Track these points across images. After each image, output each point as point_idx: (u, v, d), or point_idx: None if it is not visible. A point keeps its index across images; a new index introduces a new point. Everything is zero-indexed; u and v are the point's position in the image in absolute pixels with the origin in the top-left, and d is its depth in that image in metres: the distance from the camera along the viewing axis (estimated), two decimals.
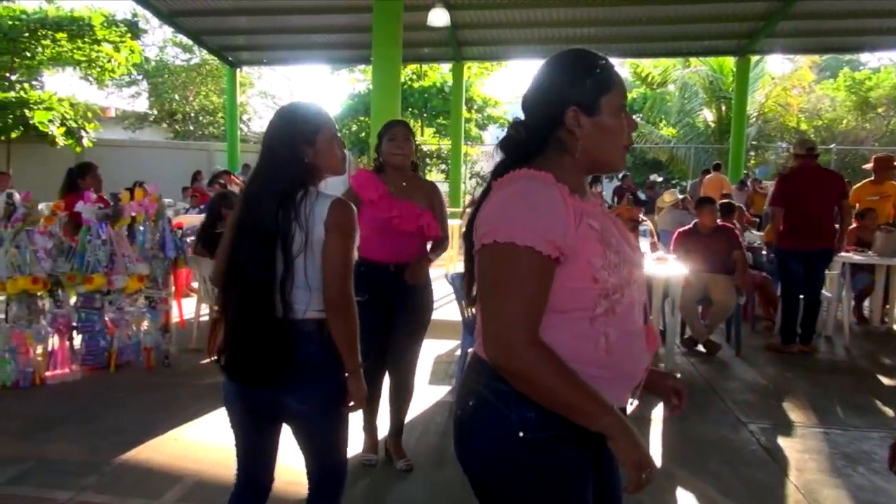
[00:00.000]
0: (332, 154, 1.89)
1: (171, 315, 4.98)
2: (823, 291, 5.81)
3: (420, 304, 3.11)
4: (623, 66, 29.22)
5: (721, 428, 3.84)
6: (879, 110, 21.10)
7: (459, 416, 1.37)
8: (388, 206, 2.93)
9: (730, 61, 17.37)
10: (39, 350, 4.39)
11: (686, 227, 5.71)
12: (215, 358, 1.91)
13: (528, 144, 1.35)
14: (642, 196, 13.41)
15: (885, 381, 4.90)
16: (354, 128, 19.45)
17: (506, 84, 63.25)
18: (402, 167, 3.01)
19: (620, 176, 14.50)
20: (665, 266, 5.01)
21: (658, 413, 3.97)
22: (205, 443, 3.49)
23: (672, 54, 16.75)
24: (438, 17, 10.38)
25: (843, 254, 5.86)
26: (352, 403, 1.90)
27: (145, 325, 4.77)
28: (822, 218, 5.39)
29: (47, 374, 4.40)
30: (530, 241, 1.21)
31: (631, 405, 1.47)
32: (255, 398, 1.89)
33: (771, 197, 5.81)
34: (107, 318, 4.68)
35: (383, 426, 3.32)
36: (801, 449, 3.58)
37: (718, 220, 5.61)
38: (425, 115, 19.22)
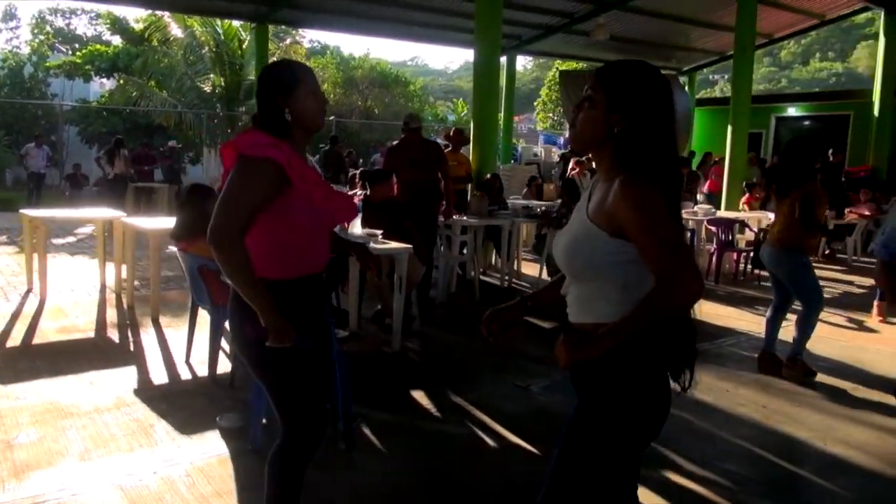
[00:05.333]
0: None
1: None
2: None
3: None
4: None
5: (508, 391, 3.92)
6: (362, 88, 24.53)
7: None
8: (324, 193, 1.92)
9: (235, 26, 17.07)
10: None
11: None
12: None
13: None
14: None
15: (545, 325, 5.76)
16: None
17: None
18: (318, 130, 2.02)
19: None
20: None
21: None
22: None
23: (188, 10, 15.52)
24: None
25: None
26: None
27: None
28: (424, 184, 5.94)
29: None
30: None
31: None
32: None
33: (383, 165, 6.28)
34: None
35: None
36: None
37: None
38: None
